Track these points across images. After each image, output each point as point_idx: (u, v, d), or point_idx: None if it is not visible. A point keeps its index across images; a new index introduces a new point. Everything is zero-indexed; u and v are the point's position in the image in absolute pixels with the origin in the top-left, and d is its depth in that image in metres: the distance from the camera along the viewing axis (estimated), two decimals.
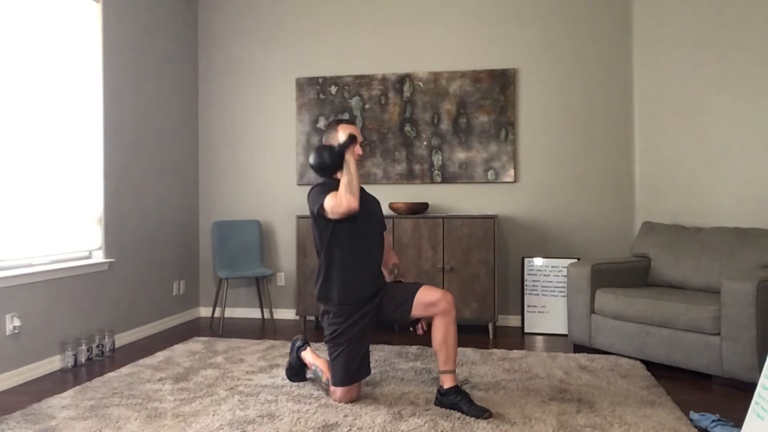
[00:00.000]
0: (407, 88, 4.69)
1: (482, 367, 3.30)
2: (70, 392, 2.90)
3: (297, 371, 3.05)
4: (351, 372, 2.71)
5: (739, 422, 2.40)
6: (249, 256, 4.76)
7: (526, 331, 4.34)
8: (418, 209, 4.35)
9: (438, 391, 2.67)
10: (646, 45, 4.33)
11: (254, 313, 4.94)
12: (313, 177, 4.76)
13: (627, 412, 2.59)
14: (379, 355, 3.57)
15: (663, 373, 3.24)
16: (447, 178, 4.63)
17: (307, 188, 4.77)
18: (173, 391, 2.89)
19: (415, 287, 2.75)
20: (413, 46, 4.72)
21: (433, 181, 4.65)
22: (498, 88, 4.55)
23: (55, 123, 3.46)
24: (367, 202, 2.87)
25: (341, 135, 2.79)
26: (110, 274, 3.89)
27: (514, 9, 4.58)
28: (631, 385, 2.97)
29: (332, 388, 2.74)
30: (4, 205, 3.09)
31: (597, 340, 3.59)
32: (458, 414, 2.55)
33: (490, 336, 4.18)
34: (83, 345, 3.47)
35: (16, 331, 3.11)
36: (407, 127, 4.69)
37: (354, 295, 2.75)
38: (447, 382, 2.63)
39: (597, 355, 3.53)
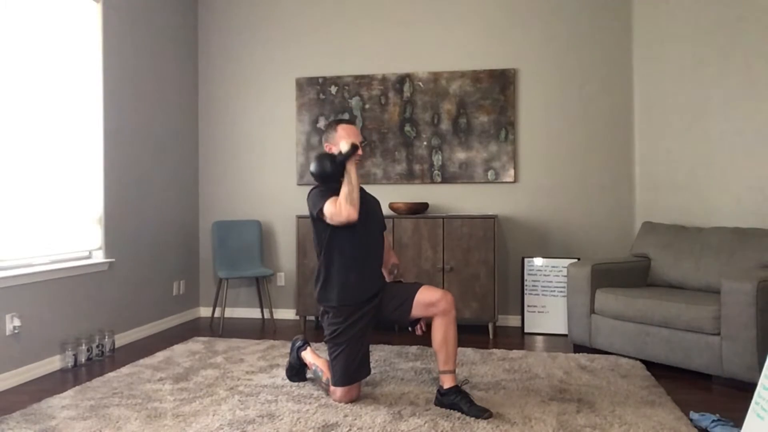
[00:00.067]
0: (407, 88, 4.69)
1: (482, 367, 3.30)
2: (70, 392, 2.90)
3: (297, 371, 3.05)
4: (351, 372, 2.71)
5: (739, 422, 2.40)
6: (249, 256, 4.76)
7: (526, 331, 4.34)
8: (418, 209, 4.35)
9: (438, 391, 2.67)
10: (646, 45, 4.33)
11: (254, 313, 4.94)
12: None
13: (627, 412, 2.59)
14: (379, 355, 3.57)
15: (663, 373, 3.24)
16: (447, 178, 4.63)
17: (307, 188, 4.77)
18: (173, 391, 2.89)
19: (415, 287, 2.75)
20: (413, 46, 4.72)
21: (433, 181, 4.65)
22: (498, 88, 4.55)
23: (55, 123, 3.46)
24: (367, 202, 2.87)
25: (344, 145, 2.72)
26: (110, 274, 3.89)
27: (514, 9, 4.58)
28: (631, 385, 2.97)
29: (332, 388, 2.74)
30: (4, 205, 3.09)
31: (597, 340, 3.59)
32: (458, 414, 2.55)
33: (490, 336, 4.18)
34: (83, 345, 3.48)
35: (16, 331, 3.11)
36: (407, 127, 4.69)
37: (354, 296, 2.75)
38: (447, 382, 2.63)
39: (597, 355, 3.53)
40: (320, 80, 4.82)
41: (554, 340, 4.09)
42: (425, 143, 4.66)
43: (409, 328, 2.93)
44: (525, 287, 4.42)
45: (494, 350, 3.70)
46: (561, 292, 4.32)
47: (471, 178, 4.59)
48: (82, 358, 3.47)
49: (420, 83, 4.67)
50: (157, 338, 4.18)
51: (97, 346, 3.59)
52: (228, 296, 4.94)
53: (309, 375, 3.09)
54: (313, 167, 2.71)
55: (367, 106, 4.75)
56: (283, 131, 4.93)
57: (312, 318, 4.70)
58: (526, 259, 4.44)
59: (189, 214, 4.92)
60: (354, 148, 2.70)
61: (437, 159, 4.63)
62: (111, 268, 3.89)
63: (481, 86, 4.57)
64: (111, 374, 3.20)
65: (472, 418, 2.50)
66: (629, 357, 3.45)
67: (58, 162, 3.48)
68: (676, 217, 4.13)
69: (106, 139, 3.86)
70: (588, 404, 2.69)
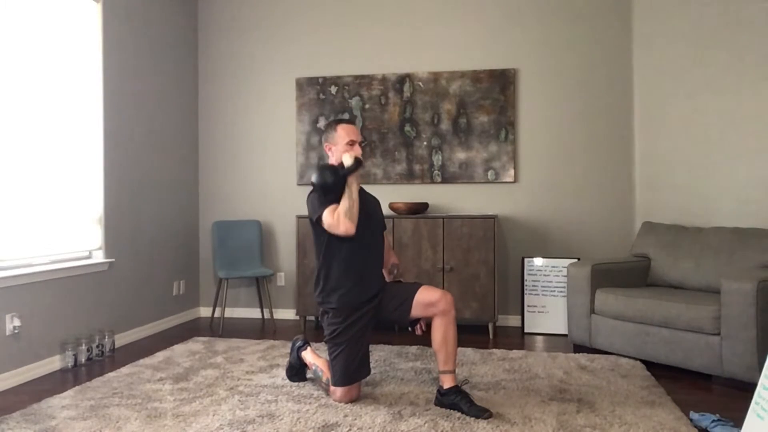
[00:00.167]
0: (407, 88, 4.69)
1: (482, 367, 3.30)
2: (70, 392, 2.90)
3: (297, 371, 3.05)
4: (351, 372, 2.71)
5: (739, 422, 2.40)
6: (249, 256, 4.76)
7: (526, 331, 4.34)
8: (418, 209, 4.35)
9: (438, 391, 2.67)
10: (646, 45, 4.33)
11: (254, 313, 4.94)
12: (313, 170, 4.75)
13: (627, 412, 2.59)
14: (379, 355, 3.57)
15: (663, 373, 3.24)
16: (447, 178, 4.63)
17: (307, 189, 4.77)
18: (173, 391, 2.89)
19: (415, 287, 2.75)
20: (413, 46, 4.72)
21: (433, 181, 4.65)
22: (498, 88, 4.55)
23: (55, 123, 3.46)
24: (367, 202, 2.86)
25: (347, 158, 2.68)
26: (110, 274, 3.89)
27: (514, 9, 4.58)
28: (631, 385, 2.97)
29: (332, 388, 2.74)
30: (4, 205, 3.09)
31: (597, 340, 3.59)
32: (458, 414, 2.55)
33: (490, 336, 4.18)
34: (83, 345, 3.47)
35: (16, 331, 3.11)
36: (407, 127, 4.69)
37: (354, 297, 2.75)
38: (447, 382, 2.63)
39: (597, 355, 3.53)
40: (320, 80, 4.82)
41: (554, 340, 4.09)
42: (425, 143, 4.66)
43: (409, 328, 2.93)
44: (525, 287, 4.42)
45: (494, 350, 3.70)
46: (561, 292, 4.32)
47: (471, 178, 4.59)
48: (82, 358, 3.47)
49: (420, 83, 4.67)
50: (157, 338, 4.18)
51: (97, 346, 3.59)
52: (228, 296, 4.94)
53: (309, 375, 3.09)
54: (314, 178, 2.68)
55: (367, 106, 4.75)
56: (283, 131, 4.93)
57: (312, 318, 4.69)
58: (526, 259, 4.44)
59: (189, 214, 4.92)
60: (357, 162, 2.67)
61: (437, 159, 4.63)
62: (111, 268, 3.89)
63: (481, 86, 4.57)
64: (111, 374, 3.20)
65: (472, 418, 2.50)
66: (629, 357, 3.45)
67: (58, 162, 3.49)
68: (676, 217, 4.13)
69: (106, 139, 3.86)
70: (588, 404, 2.69)
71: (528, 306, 4.39)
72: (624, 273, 3.76)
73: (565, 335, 4.18)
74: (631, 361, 3.38)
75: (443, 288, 4.16)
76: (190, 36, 4.96)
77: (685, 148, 4.07)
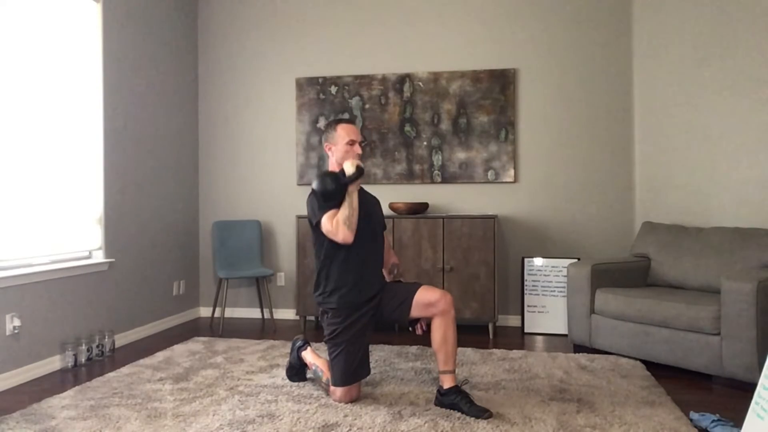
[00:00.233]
0: (407, 88, 4.69)
1: (482, 367, 3.30)
2: (70, 392, 2.90)
3: (297, 371, 3.05)
4: (351, 372, 2.71)
5: (739, 422, 2.40)
6: (249, 256, 4.76)
7: (526, 331, 4.34)
8: (418, 209, 4.35)
9: (438, 391, 2.67)
10: (646, 45, 4.33)
11: (254, 313, 4.94)
12: (313, 177, 4.76)
13: (627, 412, 2.59)
14: (379, 355, 3.57)
15: (663, 373, 3.24)
16: (447, 178, 4.63)
17: (307, 189, 4.77)
18: (173, 391, 2.89)
19: (415, 287, 2.75)
20: (413, 46, 4.72)
21: (433, 181, 4.65)
22: (498, 88, 4.55)
23: (55, 123, 3.46)
24: (367, 202, 2.86)
25: (349, 166, 2.67)
26: (110, 274, 3.89)
27: (514, 9, 4.58)
28: (631, 385, 2.97)
29: (332, 388, 2.74)
30: (4, 205, 3.09)
31: (597, 340, 3.59)
32: (458, 414, 2.55)
33: (490, 336, 4.18)
34: (83, 345, 3.48)
35: (16, 331, 3.11)
36: (407, 127, 4.69)
37: (354, 297, 2.75)
38: (447, 382, 2.63)
39: (597, 355, 3.53)
40: (320, 80, 4.82)
41: (554, 340, 4.09)
42: (425, 143, 4.66)
43: (409, 328, 2.93)
44: (525, 287, 4.42)
45: (494, 350, 3.70)
46: (561, 292, 4.32)
47: (471, 178, 4.59)
48: (82, 358, 3.47)
49: (420, 83, 4.67)
50: (157, 338, 4.18)
51: (97, 346, 3.59)
52: (228, 296, 4.94)
53: (309, 375, 3.09)
54: (315, 185, 2.66)
55: (367, 106, 4.75)
56: (283, 131, 4.93)
57: (312, 318, 4.70)
58: (526, 259, 4.44)
59: (189, 214, 4.92)
60: (359, 171, 2.66)
61: (437, 159, 4.63)
62: (111, 268, 3.89)
63: (481, 86, 4.57)
64: (111, 374, 3.20)
65: (472, 418, 2.50)
66: (629, 357, 3.45)
67: (59, 162, 3.49)
68: (676, 217, 4.13)
69: (106, 139, 3.86)
70: (588, 404, 2.69)
71: (528, 306, 4.39)
72: (624, 273, 3.76)
73: (565, 335, 4.18)
74: (631, 361, 3.38)
75: (443, 288, 4.17)
76: (190, 36, 4.96)
77: (685, 148, 4.07)
